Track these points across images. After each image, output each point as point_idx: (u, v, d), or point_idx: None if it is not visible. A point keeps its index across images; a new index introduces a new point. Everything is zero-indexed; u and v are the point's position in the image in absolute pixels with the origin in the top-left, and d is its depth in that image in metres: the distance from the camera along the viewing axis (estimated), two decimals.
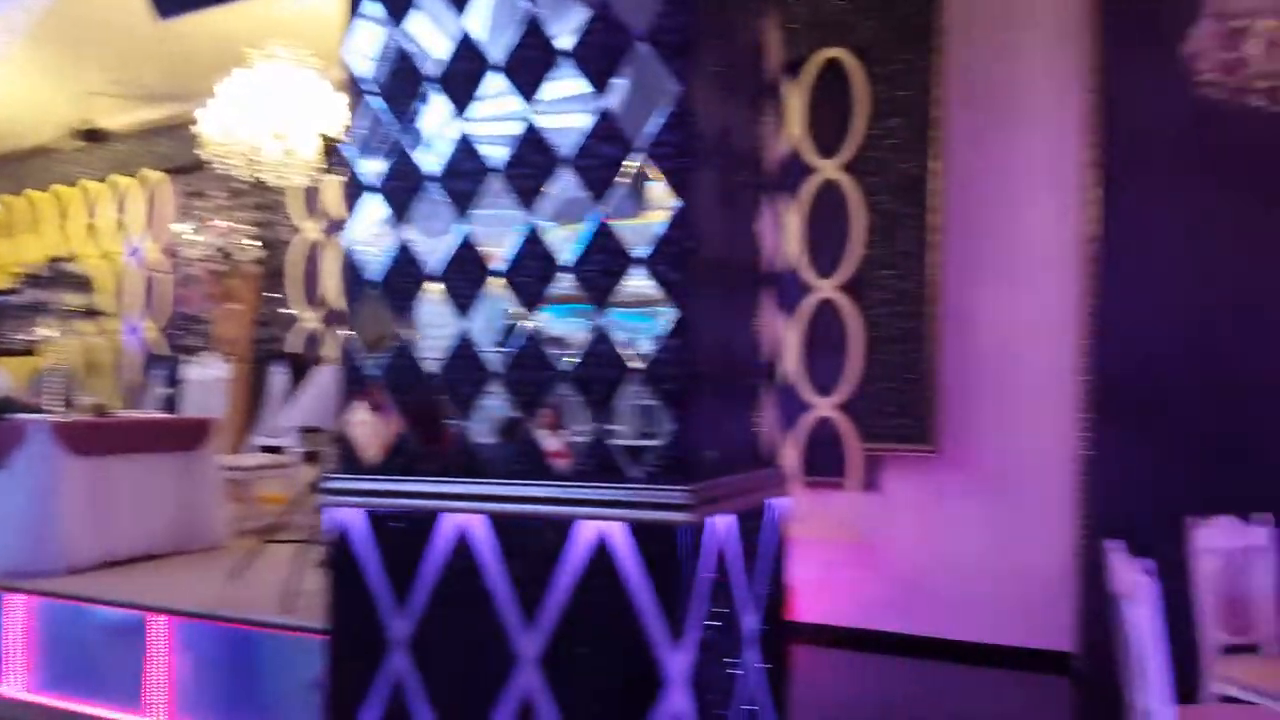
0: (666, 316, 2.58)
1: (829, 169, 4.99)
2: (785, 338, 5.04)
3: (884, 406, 4.89)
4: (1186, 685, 3.27)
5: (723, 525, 2.74)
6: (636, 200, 2.66)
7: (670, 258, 2.58)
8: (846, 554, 5.00)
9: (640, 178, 2.65)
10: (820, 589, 4.94)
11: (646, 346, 2.61)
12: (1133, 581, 2.52)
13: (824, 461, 5.00)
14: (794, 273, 5.04)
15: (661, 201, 2.61)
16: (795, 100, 5.02)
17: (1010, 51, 4.76)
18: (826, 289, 5.01)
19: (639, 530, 2.55)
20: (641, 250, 2.62)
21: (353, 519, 2.92)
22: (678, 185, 2.59)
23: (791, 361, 5.05)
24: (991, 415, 4.79)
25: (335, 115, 5.26)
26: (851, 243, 4.94)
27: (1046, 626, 4.62)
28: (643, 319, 2.65)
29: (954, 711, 4.21)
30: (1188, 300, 4.36)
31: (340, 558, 2.93)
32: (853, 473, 4.95)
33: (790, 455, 5.01)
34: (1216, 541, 3.33)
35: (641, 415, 2.65)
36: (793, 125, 5.01)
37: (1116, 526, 4.30)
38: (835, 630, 4.93)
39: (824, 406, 5.01)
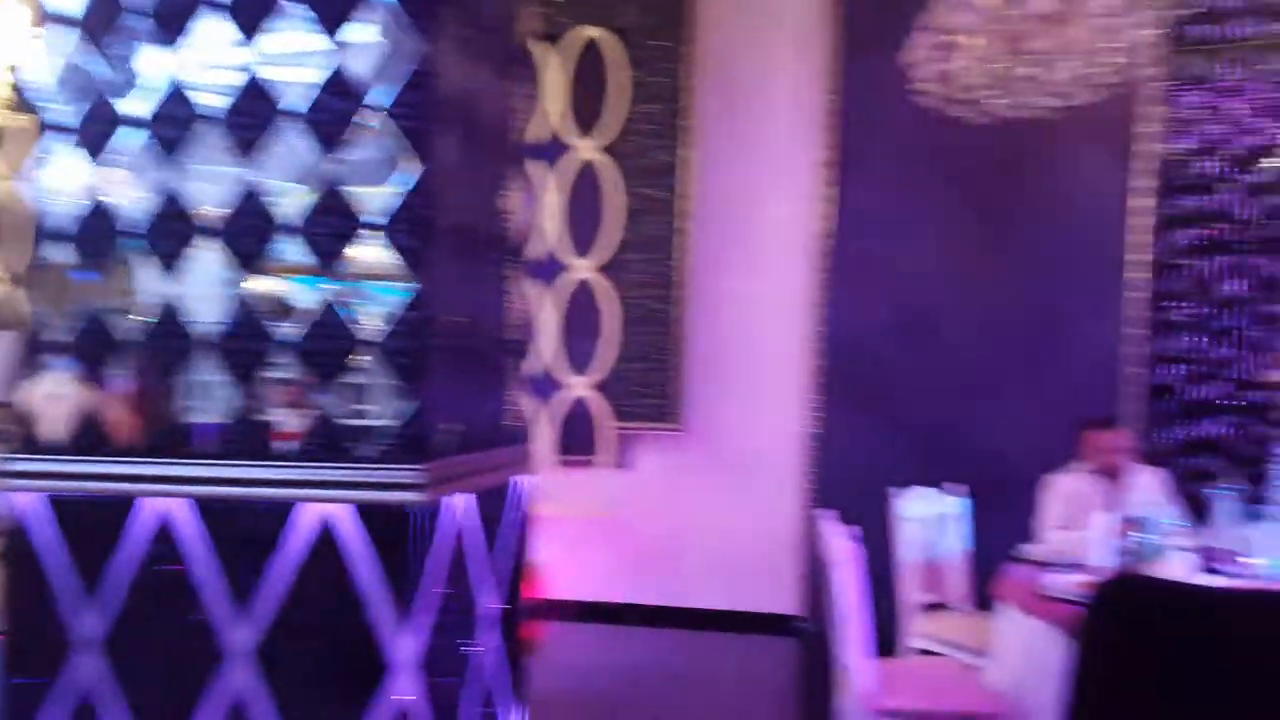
0: (403, 287, 2.46)
1: (587, 149, 5.00)
2: (541, 316, 5.02)
3: (636, 386, 5.00)
4: (889, 640, 3.60)
5: (461, 505, 2.66)
6: (373, 162, 2.51)
7: (408, 225, 2.45)
8: (599, 530, 5.08)
9: (377, 138, 2.50)
10: (573, 565, 4.99)
11: (381, 318, 2.47)
12: (838, 547, 2.72)
13: (578, 440, 5.04)
14: (552, 251, 5.02)
15: (399, 164, 2.48)
16: (556, 77, 4.99)
17: (758, 47, 4.98)
18: (584, 269, 5.03)
19: (368, 512, 2.41)
20: (377, 215, 2.47)
21: (33, 505, 2.56)
22: (417, 148, 2.46)
23: (549, 340, 5.03)
24: (734, 395, 5.03)
25: (25, 47, 4.57)
26: (607, 224, 4.98)
27: (777, 592, 4.94)
28: (377, 289, 2.51)
29: (689, 675, 4.40)
30: (905, 291, 4.80)
31: (17, 549, 2.56)
32: (605, 451, 5.03)
33: (545, 434, 5.00)
34: (915, 510, 3.67)
35: (374, 391, 2.51)
36: (552, 102, 4.98)
37: (836, 497, 4.67)
38: (587, 605, 5.01)
39: (579, 386, 5.04)
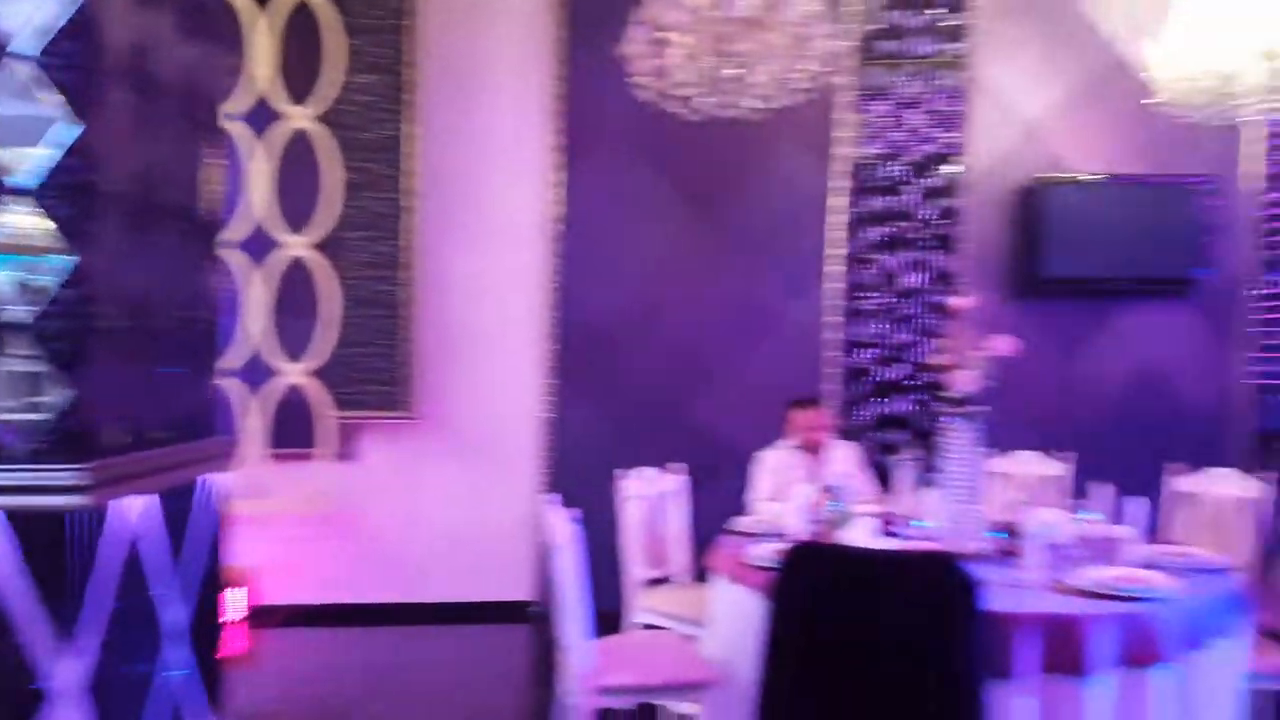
0: (58, 261, 2.15)
1: (300, 118, 4.66)
2: (250, 297, 4.64)
3: (360, 373, 4.76)
4: (618, 618, 3.69)
5: (137, 507, 2.38)
6: (20, 118, 2.17)
7: (64, 190, 2.14)
8: (321, 527, 4.79)
9: (25, 91, 2.16)
10: (293, 566, 4.68)
11: (31, 297, 2.14)
12: (559, 531, 2.73)
13: (295, 431, 4.71)
14: (261, 226, 4.65)
15: (53, 122, 2.15)
16: (264, 40, 4.60)
17: (483, 27, 4.89)
18: (298, 247, 4.70)
19: (18, 520, 2.09)
20: (24, 179, 2.14)
21: None
22: (75, 104, 2.15)
23: (258, 323, 4.65)
24: (467, 381, 4.92)
25: None
26: (325, 199, 4.69)
27: (514, 579, 4.92)
28: (27, 262, 2.18)
29: (420, 672, 4.27)
30: (633, 277, 4.93)
31: None
32: (326, 442, 4.74)
33: (255, 425, 4.64)
34: (640, 489, 3.78)
35: (24, 380, 2.18)
36: (260, 66, 4.59)
37: (569, 480, 4.73)
38: (312, 608, 4.71)
39: (294, 373, 4.71)
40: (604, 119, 4.80)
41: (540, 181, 4.89)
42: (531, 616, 4.82)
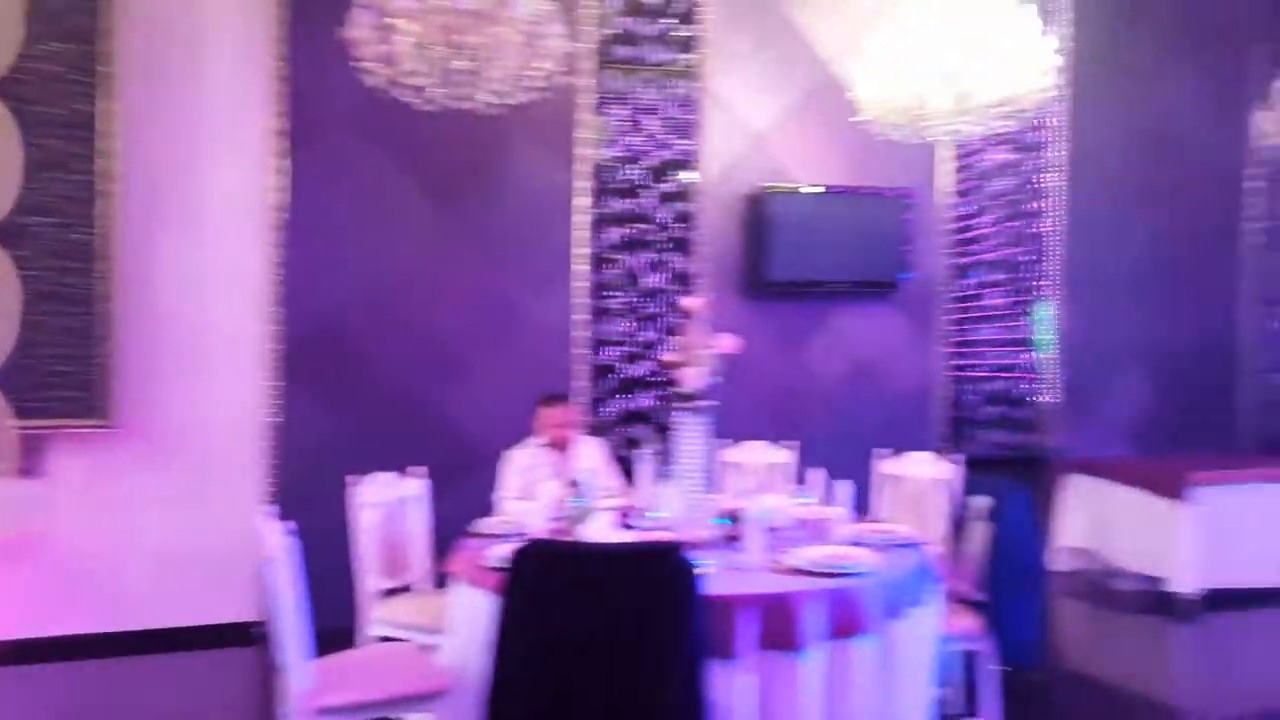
0: None
1: None
2: None
3: (45, 377, 4.20)
4: (352, 633, 3.50)
5: None
6: None
7: None
8: (3, 554, 4.18)
9: None
10: None
11: None
12: (273, 545, 2.54)
13: None
14: None
15: None
16: None
17: (195, 2, 4.48)
18: None
19: None
20: None
21: None
22: None
23: None
24: (179, 383, 4.50)
25: None
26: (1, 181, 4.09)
27: (237, 599, 4.55)
28: None
29: (128, 709, 3.85)
30: (368, 271, 4.72)
31: None
32: (4, 457, 4.14)
33: None
34: (375, 496, 3.61)
35: None
36: None
37: (298, 489, 4.45)
38: None
39: None
40: (332, 103, 4.55)
41: (261, 167, 4.55)
42: (255, 638, 4.47)
